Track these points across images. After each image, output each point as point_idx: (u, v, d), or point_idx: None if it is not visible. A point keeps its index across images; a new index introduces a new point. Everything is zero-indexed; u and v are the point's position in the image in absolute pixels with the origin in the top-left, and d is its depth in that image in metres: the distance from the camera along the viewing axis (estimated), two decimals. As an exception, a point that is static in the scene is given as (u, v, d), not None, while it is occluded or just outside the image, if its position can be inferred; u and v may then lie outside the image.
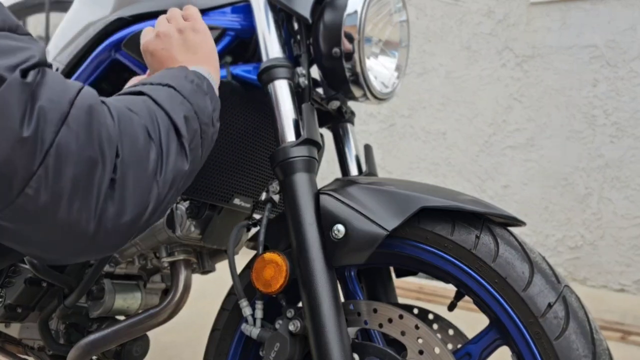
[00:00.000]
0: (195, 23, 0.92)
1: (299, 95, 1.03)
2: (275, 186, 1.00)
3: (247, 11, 1.09)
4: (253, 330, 0.95)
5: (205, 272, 1.24)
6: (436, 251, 0.88)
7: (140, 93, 0.72)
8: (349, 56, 1.02)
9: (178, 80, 0.77)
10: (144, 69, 1.11)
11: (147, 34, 0.93)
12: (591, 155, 3.26)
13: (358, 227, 0.87)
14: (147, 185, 0.64)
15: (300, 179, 0.91)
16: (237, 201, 1.10)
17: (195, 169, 0.75)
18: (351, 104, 1.25)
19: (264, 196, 1.01)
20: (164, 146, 0.67)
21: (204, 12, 1.10)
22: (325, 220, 0.89)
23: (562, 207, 3.34)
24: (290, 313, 0.93)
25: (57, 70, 1.25)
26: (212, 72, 0.88)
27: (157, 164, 0.66)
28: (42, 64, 0.59)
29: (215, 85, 0.85)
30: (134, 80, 0.99)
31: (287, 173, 0.92)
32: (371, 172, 1.24)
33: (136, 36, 1.09)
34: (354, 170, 1.24)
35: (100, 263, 1.09)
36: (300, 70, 1.04)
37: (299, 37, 1.06)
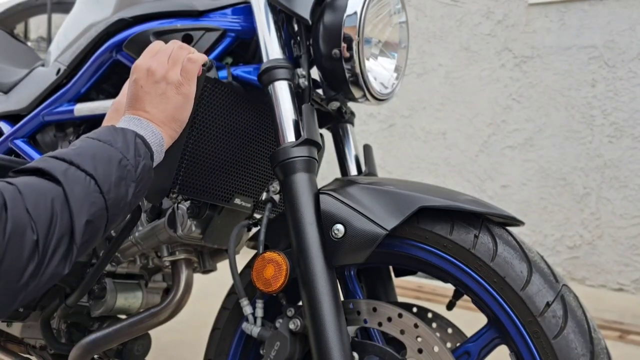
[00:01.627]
0: (185, 84, 0.90)
1: (299, 96, 1.04)
2: (275, 186, 1.00)
3: (247, 12, 1.09)
4: (253, 329, 0.96)
5: (206, 271, 1.24)
6: (435, 250, 0.88)
7: (59, 183, 0.69)
8: (348, 57, 1.02)
9: (109, 165, 0.74)
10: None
11: (148, 54, 0.92)
12: (590, 155, 3.27)
13: (358, 226, 0.87)
14: (13, 294, 0.63)
15: (301, 179, 0.92)
16: (237, 201, 1.10)
17: (80, 259, 0.73)
18: (351, 104, 1.25)
19: (264, 196, 1.01)
20: (48, 254, 0.65)
21: (205, 13, 1.11)
22: (325, 220, 0.89)
23: (560, 207, 3.35)
24: (290, 312, 0.94)
25: (59, 71, 1.26)
26: (166, 137, 0.86)
27: (33, 274, 0.64)
28: None
29: (159, 154, 0.84)
30: (115, 103, 0.97)
31: (287, 173, 0.93)
32: (371, 172, 1.25)
33: (137, 37, 1.10)
34: (353, 171, 1.25)
35: (101, 262, 1.10)
36: (301, 71, 1.04)
37: (299, 38, 1.07)
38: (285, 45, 1.04)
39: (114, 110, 0.96)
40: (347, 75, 1.04)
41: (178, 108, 0.89)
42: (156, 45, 0.94)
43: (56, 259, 0.66)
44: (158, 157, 0.85)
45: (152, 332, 1.27)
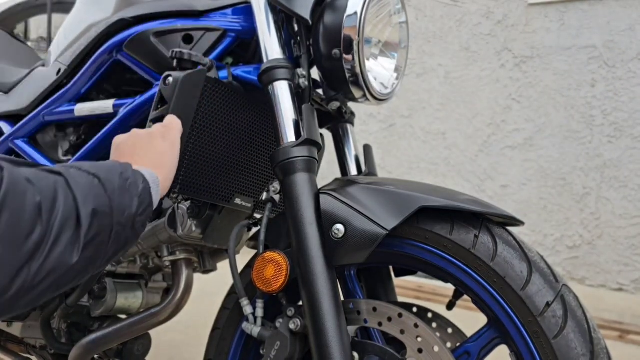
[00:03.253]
0: (168, 131, 0.90)
1: (299, 96, 1.04)
2: (275, 186, 1.00)
3: (247, 12, 1.09)
4: (254, 329, 0.96)
5: (206, 271, 1.24)
6: (435, 250, 0.88)
7: (59, 174, 0.67)
8: (348, 57, 1.03)
9: (110, 173, 0.73)
10: (145, 70, 1.12)
11: (124, 135, 0.91)
12: (589, 155, 3.27)
13: (358, 226, 0.87)
14: (11, 267, 0.58)
15: (301, 179, 0.92)
16: (238, 201, 1.11)
17: (89, 266, 0.69)
18: (351, 104, 1.25)
19: (264, 196, 1.01)
20: (54, 231, 0.61)
21: (205, 13, 1.11)
22: (325, 220, 0.89)
23: (560, 207, 3.35)
24: (290, 312, 0.94)
25: (59, 71, 1.26)
26: (162, 180, 0.84)
27: (37, 247, 0.60)
28: None
29: (157, 193, 0.81)
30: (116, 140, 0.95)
31: (287, 173, 0.93)
32: (371, 172, 1.25)
33: (138, 37, 1.10)
34: (353, 171, 1.25)
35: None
36: (301, 71, 1.04)
37: (299, 38, 1.07)
38: (285, 45, 1.04)
39: None
40: (347, 75, 1.04)
41: (165, 153, 0.87)
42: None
43: (63, 241, 0.63)
44: (155, 196, 0.80)
45: (152, 332, 1.27)
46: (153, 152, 0.86)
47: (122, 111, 1.13)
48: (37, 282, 0.61)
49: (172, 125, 0.92)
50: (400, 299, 1.12)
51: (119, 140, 0.89)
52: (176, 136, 0.91)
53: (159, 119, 0.97)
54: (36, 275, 0.60)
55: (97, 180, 0.70)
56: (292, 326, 0.92)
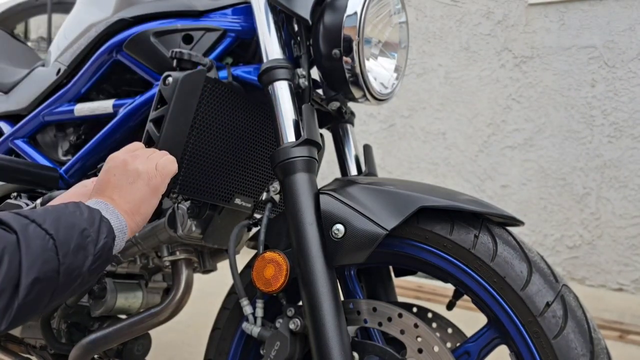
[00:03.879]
0: (157, 177, 0.88)
1: (299, 96, 1.04)
2: (275, 186, 1.00)
3: (247, 12, 1.09)
4: (254, 329, 0.96)
5: (206, 271, 1.24)
6: (435, 250, 0.88)
7: (15, 232, 0.65)
8: (348, 57, 1.03)
9: (72, 231, 0.72)
10: (145, 70, 1.12)
11: (127, 149, 0.92)
12: (589, 155, 3.27)
13: (358, 226, 0.87)
14: None
15: (301, 179, 0.92)
16: (238, 201, 1.11)
17: (20, 323, 0.67)
18: (351, 104, 1.25)
19: (264, 196, 1.01)
20: None
21: (205, 13, 1.11)
22: (325, 220, 0.89)
23: (560, 207, 3.35)
24: (290, 312, 0.94)
25: (59, 71, 1.26)
26: (131, 227, 0.83)
27: None
28: None
29: (122, 241, 0.81)
30: (82, 185, 0.95)
31: (287, 173, 0.93)
32: (371, 172, 1.25)
33: (138, 37, 1.10)
34: (353, 171, 1.25)
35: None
36: (301, 71, 1.04)
37: (299, 38, 1.07)
38: (285, 45, 1.05)
39: (81, 186, 0.95)
40: (347, 75, 1.04)
41: (144, 201, 0.86)
42: (138, 144, 0.94)
43: None
44: (119, 244, 0.80)
45: (152, 332, 1.27)
46: (132, 196, 0.85)
47: (122, 111, 1.13)
48: None
49: (164, 171, 0.90)
50: (400, 299, 1.12)
51: (111, 163, 0.88)
52: (162, 183, 0.89)
53: (159, 120, 0.97)
54: None
55: (51, 242, 0.68)
56: (292, 326, 0.92)
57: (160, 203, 1.12)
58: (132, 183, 0.86)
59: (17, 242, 0.65)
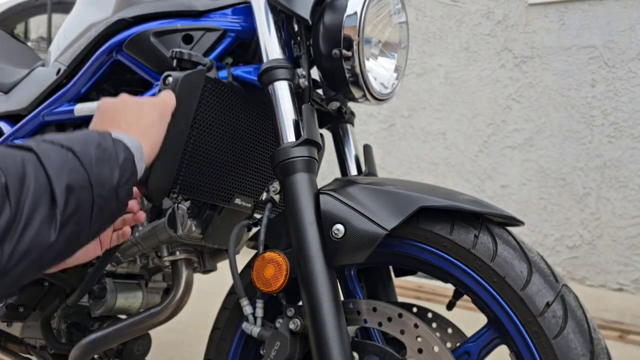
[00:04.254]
0: (160, 104, 0.86)
1: (299, 96, 1.04)
2: (275, 186, 1.00)
3: (247, 12, 1.09)
4: (254, 329, 0.96)
5: (206, 271, 1.24)
6: (435, 250, 0.88)
7: (29, 149, 0.64)
8: (348, 57, 1.03)
9: (86, 145, 0.69)
10: (145, 70, 1.12)
11: (113, 99, 0.87)
12: (589, 155, 3.27)
13: (358, 226, 0.87)
14: None
15: (301, 179, 0.92)
16: (238, 201, 1.11)
17: (71, 244, 0.66)
18: (351, 104, 1.25)
19: (264, 196, 1.01)
20: (25, 211, 0.59)
21: (205, 13, 1.11)
22: (325, 220, 0.89)
23: (560, 207, 3.35)
24: (290, 312, 0.94)
25: (59, 71, 1.26)
26: (146, 150, 0.80)
27: (7, 230, 0.58)
28: None
29: (141, 161, 0.77)
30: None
31: (287, 173, 0.93)
32: (371, 172, 1.25)
33: (138, 37, 1.10)
34: (353, 171, 1.25)
35: (102, 262, 1.10)
36: (301, 71, 1.04)
37: (299, 38, 1.07)
38: (285, 45, 1.04)
39: None
40: (347, 75, 1.04)
41: (153, 124, 0.84)
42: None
43: (36, 220, 0.60)
44: (139, 164, 0.76)
45: (152, 332, 1.27)
46: (140, 122, 0.82)
47: (122, 111, 1.13)
48: (12, 265, 0.59)
49: (166, 101, 0.88)
50: (400, 299, 1.12)
51: (104, 105, 0.84)
52: (166, 111, 0.87)
53: None
54: (10, 258, 0.58)
55: (71, 154, 0.66)
56: (292, 326, 0.92)
57: (160, 203, 1.12)
58: (136, 112, 0.82)
59: (37, 157, 0.63)
